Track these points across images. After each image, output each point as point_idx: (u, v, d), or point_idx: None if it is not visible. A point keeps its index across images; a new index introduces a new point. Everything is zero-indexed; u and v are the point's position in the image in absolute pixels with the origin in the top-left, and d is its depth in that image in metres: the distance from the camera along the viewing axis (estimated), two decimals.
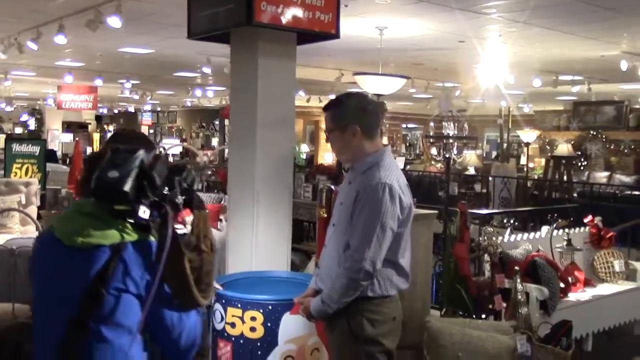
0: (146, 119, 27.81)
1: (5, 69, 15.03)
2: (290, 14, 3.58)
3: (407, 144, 24.62)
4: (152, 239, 1.75)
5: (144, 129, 27.65)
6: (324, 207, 3.68)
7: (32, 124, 24.05)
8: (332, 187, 3.70)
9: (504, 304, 4.58)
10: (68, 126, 22.77)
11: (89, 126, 21.14)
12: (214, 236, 1.88)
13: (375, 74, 8.40)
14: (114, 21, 7.87)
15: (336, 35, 3.86)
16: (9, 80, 15.60)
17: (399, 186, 2.71)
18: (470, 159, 13.18)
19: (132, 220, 1.72)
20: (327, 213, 3.68)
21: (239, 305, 3.22)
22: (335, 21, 3.76)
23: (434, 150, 4.68)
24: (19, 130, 24.30)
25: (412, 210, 2.80)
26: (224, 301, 3.28)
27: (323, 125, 3.47)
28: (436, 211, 5.41)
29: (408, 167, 14.03)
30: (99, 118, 28.67)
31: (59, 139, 21.97)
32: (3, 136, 15.35)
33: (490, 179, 11.07)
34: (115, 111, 29.91)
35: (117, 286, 1.69)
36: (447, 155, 4.66)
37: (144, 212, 1.69)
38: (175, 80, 16.73)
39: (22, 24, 9.42)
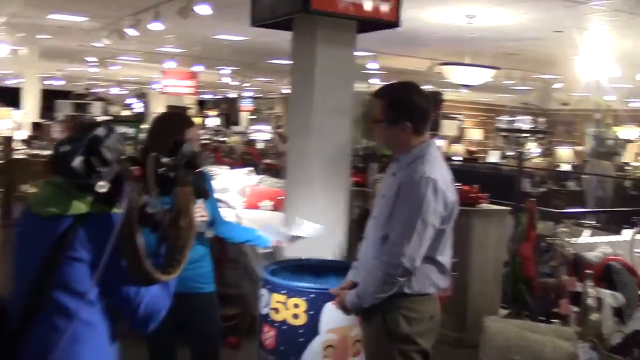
0: (246, 105, 28.52)
1: (113, 54, 15.88)
2: (349, 1, 3.54)
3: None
4: (115, 211, 1.78)
5: (244, 115, 28.40)
6: None
7: (137, 107, 25.30)
8: None
9: (575, 309, 4.36)
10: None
11: (191, 111, 21.95)
12: (194, 213, 1.90)
13: (462, 64, 8.15)
14: (204, 9, 8.13)
15: (396, 24, 3.78)
16: (116, 65, 16.43)
17: (443, 181, 2.60)
18: (565, 154, 12.55)
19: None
20: None
21: (283, 292, 3.25)
22: (395, 9, 3.68)
23: (505, 144, 4.47)
24: (126, 112, 25.63)
25: (456, 207, 2.69)
26: (269, 287, 3.32)
27: None
28: (508, 208, 5.22)
29: (504, 161, 13.55)
30: (202, 103, 29.69)
31: None
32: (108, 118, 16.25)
33: (584, 176, 10.49)
34: (218, 97, 30.90)
35: (72, 255, 1.75)
36: (519, 150, 4.45)
37: (101, 186, 1.72)
38: (270, 68, 17.03)
39: (122, 11, 9.90)
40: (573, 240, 4.73)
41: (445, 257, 2.72)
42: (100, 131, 1.77)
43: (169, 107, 20.41)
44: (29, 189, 8.74)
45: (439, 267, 2.68)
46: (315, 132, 3.80)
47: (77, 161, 1.72)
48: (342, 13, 3.57)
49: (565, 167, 12.82)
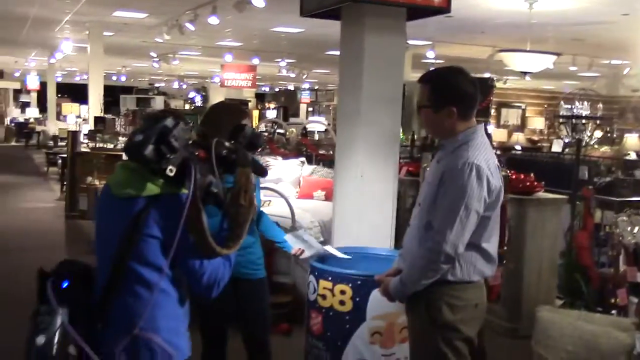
0: (305, 97, 28.68)
1: (174, 49, 16.25)
2: None
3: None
4: (184, 192, 1.96)
5: (302, 107, 28.56)
6: None
7: (198, 101, 25.82)
8: None
9: (634, 300, 4.22)
10: None
11: (249, 103, 22.23)
12: (253, 192, 2.10)
13: (522, 50, 7.94)
14: (259, 2, 8.23)
15: (447, 10, 3.71)
16: (177, 59, 16.79)
17: (488, 167, 2.54)
18: (632, 142, 12.04)
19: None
20: None
21: (330, 278, 3.27)
22: None
23: (563, 131, 4.35)
24: (187, 107, 26.19)
25: (501, 193, 2.63)
26: (316, 273, 3.36)
27: None
28: (565, 197, 5.08)
29: (567, 150, 13.18)
30: (261, 96, 30.05)
31: None
32: None
33: None
34: (276, 89, 31.19)
35: (148, 232, 1.97)
36: (577, 137, 4.32)
37: (170, 171, 1.93)
38: (328, 59, 17.06)
39: (181, 7, 10.12)
40: (635, 229, 4.58)
41: (492, 244, 2.67)
42: (168, 122, 1.99)
43: (227, 99, 20.77)
44: (94, 181, 9.09)
45: (484, 254, 2.64)
46: (363, 120, 3.79)
47: (149, 149, 1.94)
48: (391, 0, 3.54)
49: (634, 155, 12.32)
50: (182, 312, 2.12)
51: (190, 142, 2.06)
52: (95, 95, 12.87)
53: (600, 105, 4.26)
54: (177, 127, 1.99)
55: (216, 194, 2.01)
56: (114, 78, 27.89)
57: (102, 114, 12.63)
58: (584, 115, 4.39)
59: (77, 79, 28.74)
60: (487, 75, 14.32)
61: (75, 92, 19.67)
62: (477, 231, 2.57)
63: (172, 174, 1.94)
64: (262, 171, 2.36)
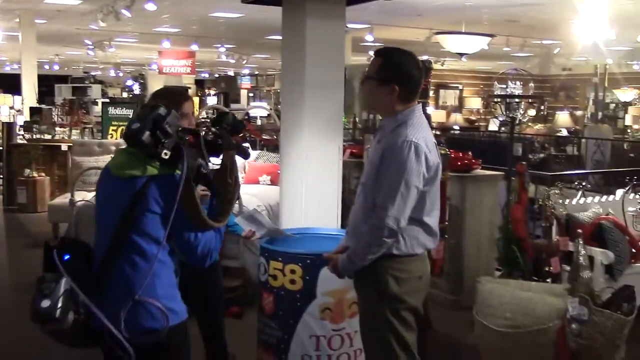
0: (245, 83, 28.48)
1: (110, 36, 15.88)
2: None
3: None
4: (178, 173, 2.21)
5: (243, 93, 28.36)
6: None
7: (136, 89, 25.31)
8: None
9: (567, 268, 4.47)
10: None
11: (189, 90, 21.99)
12: (238, 171, 2.41)
13: (457, 32, 8.16)
14: None
15: None
16: (113, 47, 16.42)
17: (426, 144, 2.67)
18: (564, 119, 12.54)
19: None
20: None
21: (280, 259, 3.36)
22: None
23: (498, 110, 4.55)
24: (125, 95, 25.67)
25: (439, 170, 2.77)
26: (266, 255, 3.44)
27: None
28: (501, 173, 5.31)
29: (502, 128, 13.61)
30: (201, 82, 29.67)
31: None
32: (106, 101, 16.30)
33: (583, 141, 10.55)
34: (216, 75, 30.85)
35: (147, 207, 2.21)
36: (510, 115, 4.53)
37: (165, 154, 2.19)
38: (268, 44, 17.01)
39: None
40: (566, 202, 4.84)
41: (432, 218, 2.80)
42: (161, 110, 2.22)
43: (166, 87, 20.46)
44: (32, 173, 8.87)
45: (425, 228, 2.77)
46: (307, 104, 3.88)
47: (146, 135, 2.18)
48: None
49: (565, 132, 12.85)
50: (175, 281, 2.38)
51: (180, 128, 2.27)
52: (30, 85, 12.50)
53: (532, 84, 4.46)
54: (170, 115, 2.23)
55: (205, 174, 2.28)
56: (47, 67, 26.99)
57: (37, 105, 12.28)
58: (517, 94, 4.58)
59: (7, 69, 27.70)
60: (424, 57, 14.58)
61: (7, 83, 19.00)
62: (418, 206, 2.69)
63: (167, 157, 2.19)
64: (245, 154, 2.58)
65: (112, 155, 2.48)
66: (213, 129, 2.41)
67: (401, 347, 2.74)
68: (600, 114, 15.02)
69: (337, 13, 3.89)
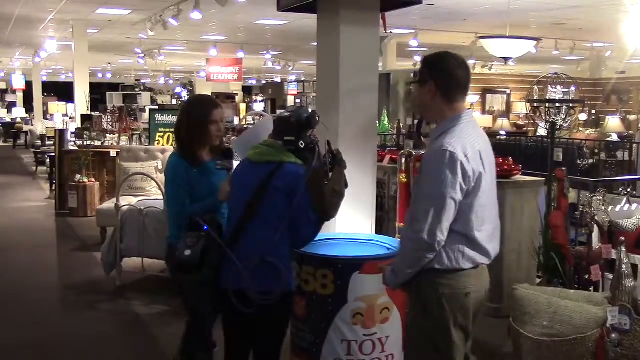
0: (292, 89, 28.72)
1: (159, 45, 16.28)
2: None
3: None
4: (299, 163, 2.92)
5: (290, 99, 28.60)
6: (403, 172, 3.71)
7: (184, 96, 25.83)
8: (413, 152, 3.71)
9: (611, 276, 4.36)
10: (217, 97, 24.09)
11: (236, 97, 22.27)
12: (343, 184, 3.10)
13: (501, 36, 8.06)
14: None
15: (419, 1, 3.82)
16: (162, 55, 16.80)
17: (465, 153, 2.50)
18: (613, 124, 12.19)
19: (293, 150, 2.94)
20: (406, 178, 3.71)
21: (312, 264, 3.39)
22: None
23: (539, 115, 4.48)
24: (174, 102, 26.20)
25: (482, 179, 2.58)
26: (299, 259, 3.47)
27: None
28: (542, 179, 5.21)
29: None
30: (248, 89, 30.05)
31: None
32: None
33: (634, 146, 10.23)
34: (263, 82, 31.20)
35: (276, 184, 2.86)
36: (550, 120, 4.45)
37: (301, 144, 2.91)
38: (313, 50, 17.05)
39: (164, 2, 10.18)
40: (609, 208, 4.72)
41: (483, 232, 2.63)
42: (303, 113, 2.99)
43: (214, 94, 20.78)
44: (82, 178, 9.15)
45: (472, 242, 2.60)
46: (341, 111, 3.90)
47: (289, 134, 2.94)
48: None
49: (615, 137, 12.50)
50: (292, 250, 3.03)
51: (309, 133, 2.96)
52: (82, 93, 12.90)
53: (573, 88, 4.34)
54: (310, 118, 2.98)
55: (325, 171, 3.03)
56: (100, 75, 27.81)
57: (88, 112, 12.66)
58: (557, 99, 4.48)
59: (62, 78, 28.66)
60: (471, 61, 14.41)
61: (62, 91, 19.67)
62: (462, 219, 2.55)
63: (302, 146, 2.91)
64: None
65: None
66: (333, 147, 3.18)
67: None
68: None
69: (371, 19, 3.91)
